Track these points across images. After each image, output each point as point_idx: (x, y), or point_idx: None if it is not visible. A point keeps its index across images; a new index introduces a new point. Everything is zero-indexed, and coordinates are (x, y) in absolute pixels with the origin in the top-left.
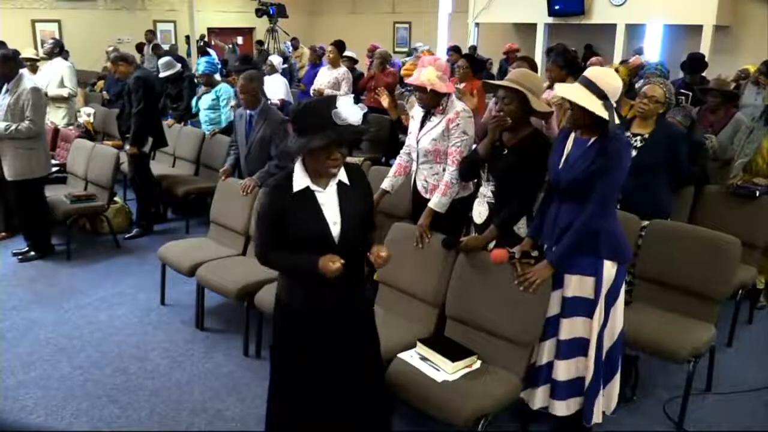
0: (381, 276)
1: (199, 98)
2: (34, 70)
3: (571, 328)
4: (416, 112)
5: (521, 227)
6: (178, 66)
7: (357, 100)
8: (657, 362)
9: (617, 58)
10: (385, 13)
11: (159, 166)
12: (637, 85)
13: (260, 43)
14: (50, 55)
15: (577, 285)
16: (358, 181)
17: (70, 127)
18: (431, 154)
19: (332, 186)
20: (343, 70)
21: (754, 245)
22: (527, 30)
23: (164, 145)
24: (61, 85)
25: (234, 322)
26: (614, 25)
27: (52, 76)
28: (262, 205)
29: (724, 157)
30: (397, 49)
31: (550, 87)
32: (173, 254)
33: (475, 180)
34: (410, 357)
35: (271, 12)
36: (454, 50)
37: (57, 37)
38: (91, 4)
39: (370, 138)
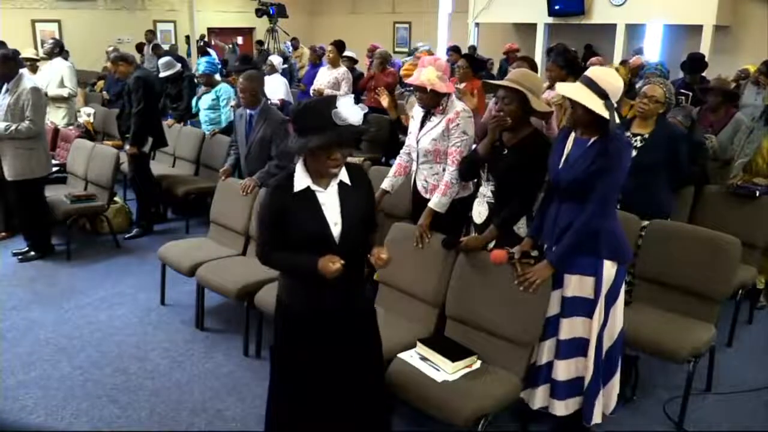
0: (381, 276)
1: (199, 98)
2: (34, 70)
3: (570, 328)
4: (416, 112)
5: (521, 227)
6: (178, 66)
7: (357, 100)
8: (657, 362)
9: (617, 58)
10: (385, 13)
11: (159, 166)
12: (637, 86)
13: (260, 43)
14: (50, 55)
15: (576, 285)
16: (359, 182)
17: (70, 127)
18: (431, 154)
19: (333, 186)
20: (342, 70)
21: (754, 245)
22: (527, 30)
23: (164, 145)
24: (61, 85)
25: (234, 322)
26: (614, 25)
27: (52, 76)
28: (263, 204)
29: (724, 157)
30: (397, 49)
31: (550, 87)
32: (173, 254)
33: (475, 180)
34: (410, 357)
35: (271, 12)
36: (454, 50)
37: (57, 37)
38: (91, 4)
39: (370, 138)
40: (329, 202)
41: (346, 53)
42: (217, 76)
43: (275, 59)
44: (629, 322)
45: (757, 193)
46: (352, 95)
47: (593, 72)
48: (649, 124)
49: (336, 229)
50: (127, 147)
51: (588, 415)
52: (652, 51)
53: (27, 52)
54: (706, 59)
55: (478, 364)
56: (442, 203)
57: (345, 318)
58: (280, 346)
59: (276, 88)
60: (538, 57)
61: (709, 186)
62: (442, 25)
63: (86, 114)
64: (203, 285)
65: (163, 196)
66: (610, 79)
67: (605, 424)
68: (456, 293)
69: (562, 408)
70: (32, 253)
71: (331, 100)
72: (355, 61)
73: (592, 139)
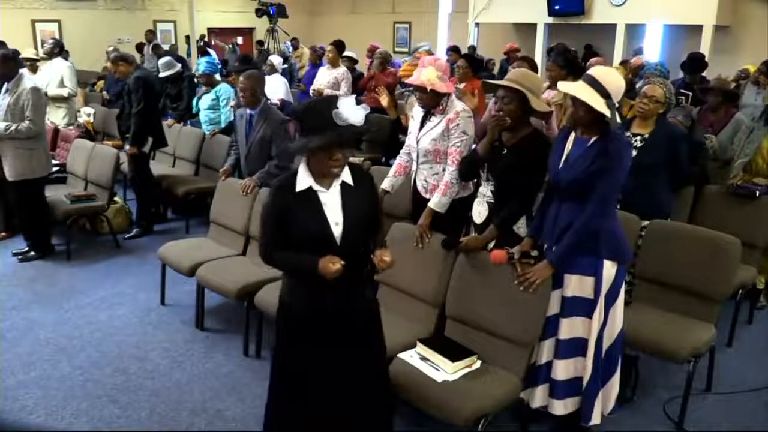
0: (381, 276)
1: (199, 98)
2: (34, 70)
3: (570, 327)
4: (416, 112)
5: (521, 227)
6: (178, 66)
7: (357, 101)
8: (657, 362)
9: (617, 58)
10: (385, 13)
11: (159, 166)
12: (637, 86)
13: (260, 43)
14: (50, 55)
15: (576, 285)
16: (362, 183)
17: (70, 127)
18: (431, 154)
19: (336, 186)
20: (342, 70)
21: (754, 245)
22: (527, 30)
23: (164, 145)
24: (61, 85)
25: (234, 322)
26: (614, 25)
27: (52, 76)
28: (265, 204)
29: (724, 157)
30: (397, 49)
31: (550, 87)
32: (173, 254)
33: (475, 180)
34: (410, 357)
35: (271, 12)
36: (454, 50)
37: (57, 37)
38: (91, 4)
39: (370, 138)
40: (331, 202)
41: (346, 53)
42: (217, 76)
43: (275, 59)
44: (629, 322)
45: (757, 193)
46: (353, 95)
47: (596, 71)
48: (649, 124)
49: (337, 230)
50: (127, 147)
51: (587, 415)
52: (652, 51)
53: (27, 52)
54: (706, 59)
55: (478, 364)
56: (442, 203)
57: (346, 318)
58: (281, 346)
59: (276, 88)
60: (538, 57)
61: (709, 186)
62: (442, 25)
63: (86, 114)
64: (203, 285)
65: (163, 196)
66: (613, 79)
67: (605, 424)
68: (456, 293)
69: (560, 407)
70: (32, 253)
71: (333, 101)
72: (355, 61)
73: (593, 139)
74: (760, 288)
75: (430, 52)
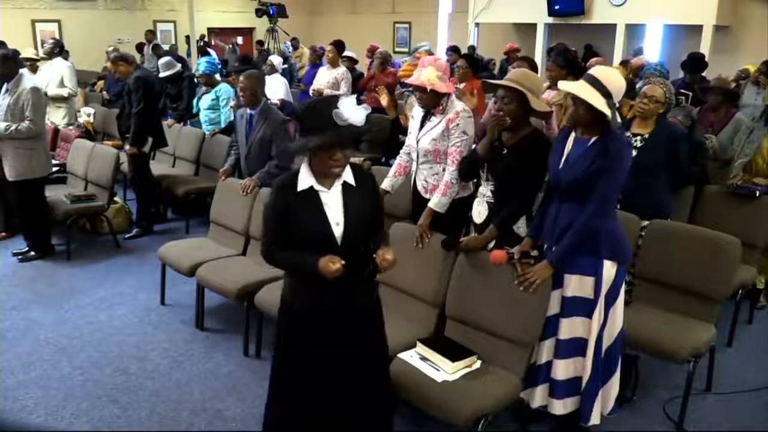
0: (381, 276)
1: (200, 98)
2: (34, 70)
3: (570, 327)
4: (416, 112)
5: (521, 227)
6: (178, 66)
7: (357, 101)
8: (657, 362)
9: (617, 58)
10: (385, 13)
11: (159, 166)
12: (637, 86)
13: (260, 43)
14: (50, 55)
15: (576, 285)
16: (364, 183)
17: (70, 127)
18: (431, 154)
19: (337, 186)
20: (342, 70)
21: (754, 245)
22: (527, 30)
23: (164, 145)
24: (61, 85)
25: (234, 322)
26: (614, 25)
27: (52, 76)
28: (267, 203)
29: (724, 157)
30: (397, 49)
31: (551, 87)
32: (173, 254)
33: (475, 180)
34: (410, 357)
35: (271, 12)
36: (453, 50)
37: (57, 37)
38: (91, 4)
39: (370, 138)
40: (332, 202)
41: (346, 53)
42: (217, 76)
43: (275, 59)
44: (629, 322)
45: (757, 193)
46: (354, 95)
47: (597, 71)
48: (649, 124)
49: (338, 229)
50: (127, 147)
51: (585, 415)
52: (652, 51)
53: (27, 52)
54: (706, 59)
55: (478, 364)
56: (442, 203)
57: (346, 318)
58: (281, 345)
59: (276, 88)
60: (538, 57)
61: (709, 186)
62: (442, 25)
63: (86, 114)
64: (203, 285)
65: (163, 196)
66: (614, 78)
67: (606, 424)
68: (456, 293)
69: (560, 407)
70: (32, 253)
71: (333, 101)
72: (355, 61)
73: (593, 139)
74: (760, 288)
75: (430, 52)
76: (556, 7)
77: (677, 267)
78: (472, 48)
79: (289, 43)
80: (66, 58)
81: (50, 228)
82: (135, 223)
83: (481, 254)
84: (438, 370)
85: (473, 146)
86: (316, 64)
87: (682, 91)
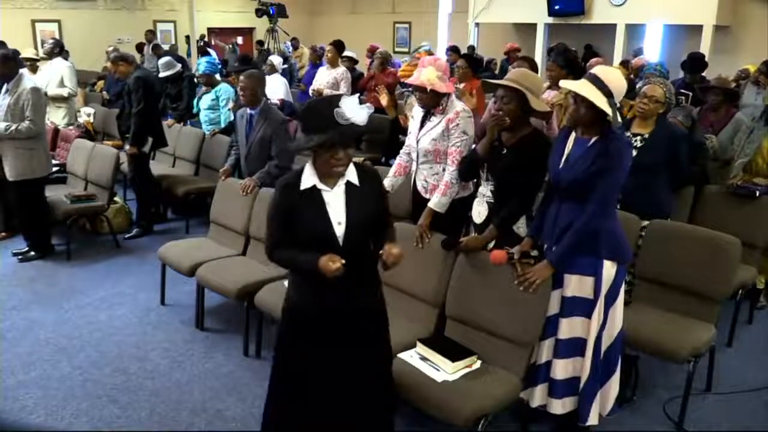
0: (382, 275)
1: (200, 98)
2: (34, 70)
3: (569, 327)
4: (416, 112)
5: (521, 227)
6: (178, 66)
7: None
8: (657, 362)
9: (617, 58)
10: (385, 13)
11: (159, 166)
12: (637, 86)
13: (260, 43)
14: (50, 55)
15: (576, 285)
16: (368, 182)
17: (70, 127)
18: (431, 154)
19: (340, 186)
20: (341, 70)
21: (754, 245)
22: (527, 30)
23: (164, 145)
24: (61, 85)
25: (234, 322)
26: (614, 25)
27: (52, 76)
28: (271, 202)
29: (724, 157)
30: (397, 49)
31: (551, 87)
32: (173, 254)
33: (475, 180)
34: (410, 357)
35: (271, 12)
36: (453, 50)
37: (57, 37)
38: (91, 4)
39: (370, 138)
40: (334, 201)
41: (346, 53)
42: (217, 76)
43: (275, 59)
44: (629, 322)
45: (757, 193)
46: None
47: (599, 70)
48: (649, 124)
49: (339, 229)
50: (127, 147)
51: (583, 415)
52: (652, 51)
53: (27, 52)
54: (706, 59)
55: (478, 364)
56: (442, 203)
57: (347, 318)
58: (282, 344)
59: (276, 88)
60: (538, 57)
61: (709, 186)
62: (442, 25)
63: (86, 114)
64: (203, 285)
65: (163, 196)
66: (615, 78)
67: (606, 424)
68: (456, 293)
69: (558, 407)
70: (32, 253)
71: (334, 100)
72: (355, 61)
73: (593, 139)
74: (760, 288)
75: (430, 52)
76: (556, 7)
77: (677, 267)
78: (471, 48)
79: (289, 43)
80: (66, 58)
81: (50, 228)
82: (135, 223)
83: (481, 254)
84: (438, 370)
85: (473, 146)
86: (316, 64)
87: (682, 91)
